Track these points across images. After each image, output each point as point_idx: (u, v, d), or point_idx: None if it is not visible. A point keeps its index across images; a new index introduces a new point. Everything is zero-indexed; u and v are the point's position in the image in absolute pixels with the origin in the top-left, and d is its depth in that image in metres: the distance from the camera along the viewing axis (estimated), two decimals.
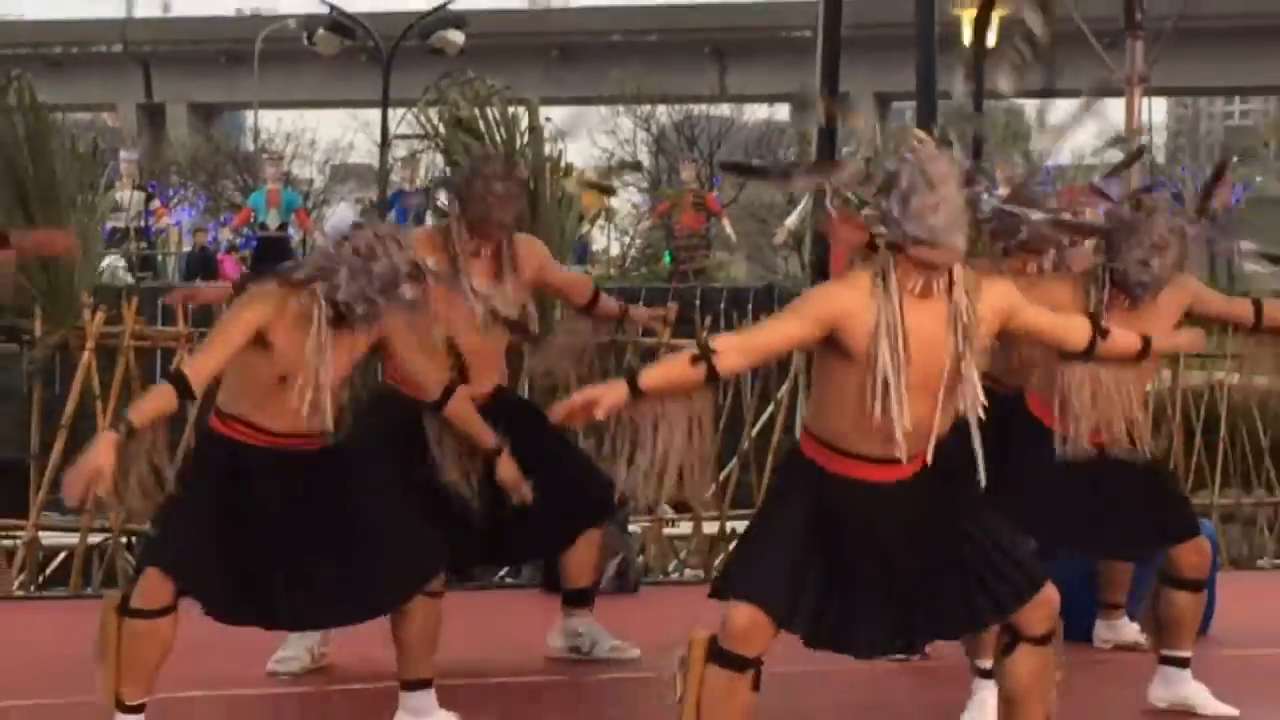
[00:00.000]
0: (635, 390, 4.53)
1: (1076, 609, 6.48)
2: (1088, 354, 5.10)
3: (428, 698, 5.44)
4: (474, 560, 7.19)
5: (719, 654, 4.66)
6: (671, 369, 4.79)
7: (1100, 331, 5.05)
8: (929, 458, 4.66)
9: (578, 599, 6.90)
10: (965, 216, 4.54)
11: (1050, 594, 4.80)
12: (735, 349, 4.69)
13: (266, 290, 5.20)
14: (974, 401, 4.58)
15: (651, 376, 4.59)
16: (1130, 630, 7.25)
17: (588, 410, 4.55)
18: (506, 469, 6.05)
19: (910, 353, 4.43)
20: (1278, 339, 6.19)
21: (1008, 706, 4.92)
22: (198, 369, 5.06)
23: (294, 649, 6.35)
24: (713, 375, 4.64)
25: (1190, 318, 6.02)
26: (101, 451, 4.90)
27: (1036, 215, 5.72)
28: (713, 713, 4.69)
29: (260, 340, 5.10)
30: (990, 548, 4.75)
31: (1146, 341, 5.17)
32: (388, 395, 6.61)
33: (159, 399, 5.07)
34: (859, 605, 4.71)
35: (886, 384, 4.52)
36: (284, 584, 5.30)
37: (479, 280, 6.33)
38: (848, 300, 4.47)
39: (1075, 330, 5.03)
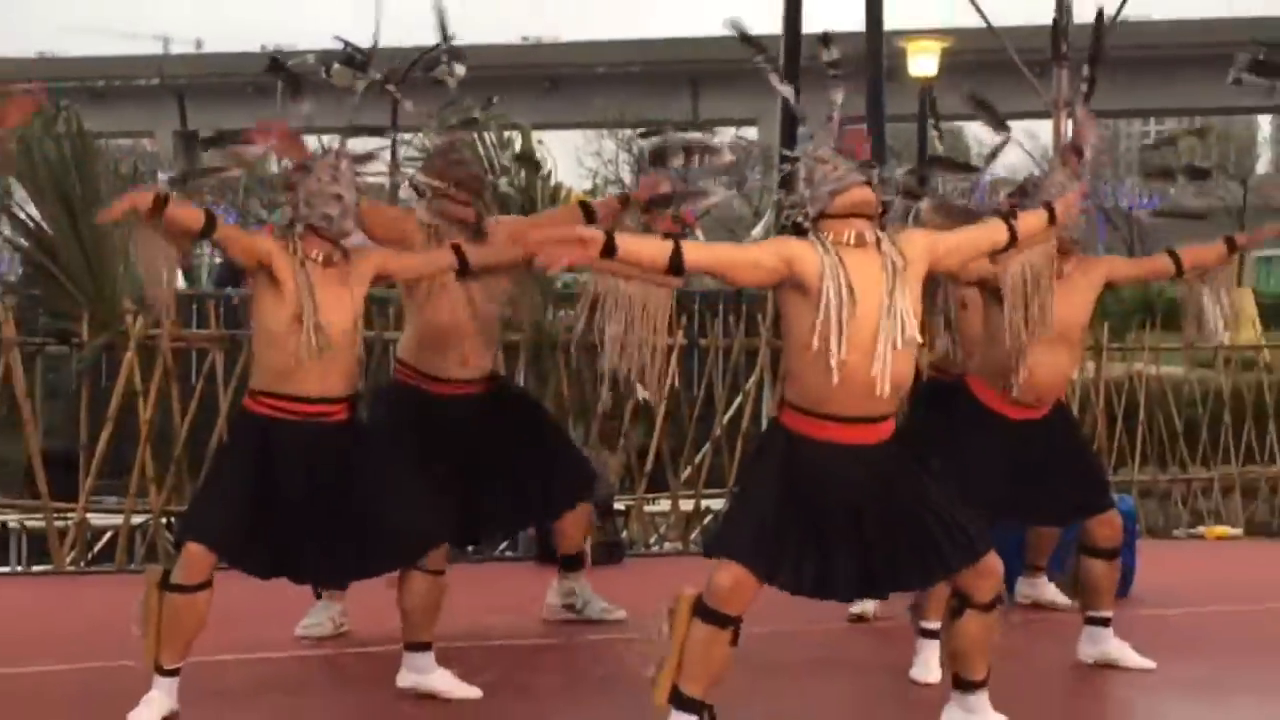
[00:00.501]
0: (610, 249, 4.58)
1: (1006, 571, 6.15)
2: (1011, 243, 5.18)
3: (428, 658, 5.51)
4: (478, 531, 7.16)
5: (704, 611, 4.70)
6: (645, 244, 4.85)
7: (1012, 224, 5.15)
8: (892, 406, 4.74)
9: (571, 564, 6.92)
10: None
11: (996, 565, 4.85)
12: (702, 248, 4.81)
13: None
14: (906, 334, 4.66)
15: (626, 242, 4.66)
16: (1049, 589, 7.33)
17: (566, 244, 4.57)
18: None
19: (853, 288, 4.54)
20: (1213, 268, 6.22)
21: (955, 661, 4.99)
22: (221, 223, 5.27)
23: (318, 617, 6.41)
24: (677, 262, 4.68)
25: (1112, 287, 6.15)
26: (142, 195, 5.05)
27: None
28: (694, 663, 4.71)
29: (270, 278, 5.15)
30: (941, 513, 4.79)
31: (1050, 210, 5.28)
32: (398, 387, 6.62)
33: (192, 213, 5.16)
34: (835, 556, 4.73)
35: (837, 316, 4.61)
36: (309, 547, 5.33)
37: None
38: (799, 246, 4.61)
39: (994, 231, 5.15)
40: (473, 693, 5.54)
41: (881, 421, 4.70)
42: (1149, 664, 6.08)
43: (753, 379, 10.47)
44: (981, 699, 5.01)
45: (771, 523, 4.69)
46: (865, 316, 4.55)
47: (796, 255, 4.60)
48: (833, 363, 4.52)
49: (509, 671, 6.15)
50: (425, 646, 5.52)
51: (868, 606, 6.62)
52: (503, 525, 7.51)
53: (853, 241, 4.61)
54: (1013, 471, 6.01)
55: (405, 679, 5.58)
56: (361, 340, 5.72)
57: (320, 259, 5.17)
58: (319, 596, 6.54)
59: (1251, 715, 5.82)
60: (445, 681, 5.55)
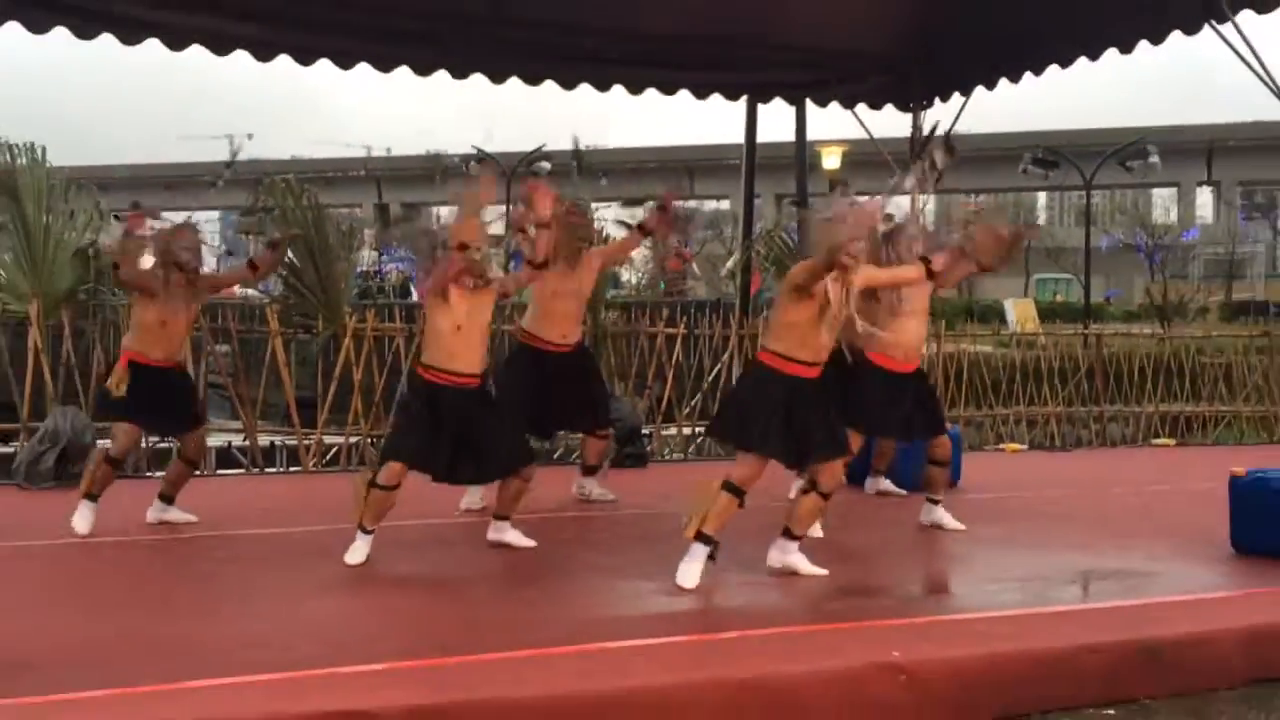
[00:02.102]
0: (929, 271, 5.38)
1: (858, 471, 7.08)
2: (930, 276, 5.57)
3: (507, 525, 5.88)
4: (560, 426, 7.45)
5: (729, 486, 5.04)
6: (900, 271, 5.57)
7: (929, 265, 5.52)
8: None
9: (589, 470, 7.34)
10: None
11: (840, 468, 5.22)
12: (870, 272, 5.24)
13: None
14: (845, 313, 4.96)
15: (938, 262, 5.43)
16: (886, 483, 7.63)
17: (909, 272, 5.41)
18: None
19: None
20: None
21: (790, 519, 5.29)
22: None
23: (472, 496, 6.85)
24: (929, 272, 5.45)
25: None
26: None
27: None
28: (715, 517, 5.03)
29: (445, 299, 5.42)
30: (833, 419, 5.21)
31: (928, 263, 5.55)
32: (518, 350, 7.06)
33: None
34: (804, 436, 5.05)
35: (828, 315, 4.96)
36: (463, 459, 5.54)
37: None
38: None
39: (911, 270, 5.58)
40: (528, 542, 5.82)
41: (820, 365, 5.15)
42: (961, 526, 6.50)
43: (726, 354, 10.89)
44: (794, 547, 5.28)
45: (776, 422, 4.97)
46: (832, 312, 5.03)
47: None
48: (827, 343, 5.04)
49: (578, 532, 6.48)
50: (506, 517, 5.87)
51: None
52: (571, 427, 7.77)
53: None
54: (889, 405, 6.21)
55: (491, 534, 5.88)
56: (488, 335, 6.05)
57: (473, 285, 5.47)
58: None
59: (1032, 558, 5.89)
60: (515, 536, 5.89)
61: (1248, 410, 13.40)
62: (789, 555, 5.26)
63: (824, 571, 5.25)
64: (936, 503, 6.58)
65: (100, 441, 7.95)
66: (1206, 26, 6.54)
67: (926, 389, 6.67)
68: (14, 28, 7.12)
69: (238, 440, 9.84)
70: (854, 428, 5.82)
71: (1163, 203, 56.27)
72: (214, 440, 9.54)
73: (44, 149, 9.59)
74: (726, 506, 5.02)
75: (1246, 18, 6.18)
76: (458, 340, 5.44)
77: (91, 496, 6.12)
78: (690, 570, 4.98)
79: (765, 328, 5.17)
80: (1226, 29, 6.23)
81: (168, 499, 6.43)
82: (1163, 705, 4.01)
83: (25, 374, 8.62)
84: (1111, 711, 3.94)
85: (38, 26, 7.25)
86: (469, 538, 6.09)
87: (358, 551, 5.42)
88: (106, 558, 5.67)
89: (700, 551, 5.00)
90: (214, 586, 5.16)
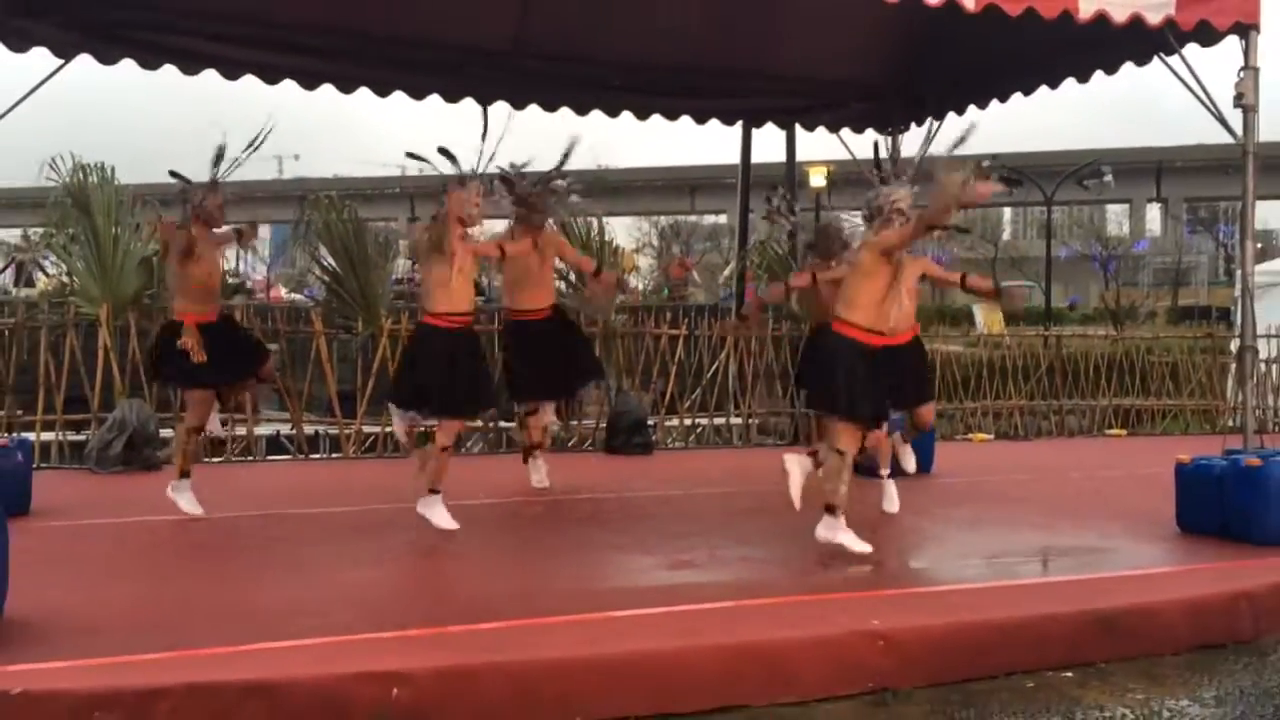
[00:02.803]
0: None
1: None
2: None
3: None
4: (537, 391, 7.06)
5: (834, 450, 5.07)
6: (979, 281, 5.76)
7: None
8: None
9: (530, 451, 7.12)
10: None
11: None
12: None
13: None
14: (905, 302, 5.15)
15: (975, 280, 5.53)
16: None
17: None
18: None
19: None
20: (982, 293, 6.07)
21: (823, 497, 5.15)
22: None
23: (540, 472, 6.90)
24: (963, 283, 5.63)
25: (924, 279, 5.97)
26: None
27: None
28: (829, 480, 5.12)
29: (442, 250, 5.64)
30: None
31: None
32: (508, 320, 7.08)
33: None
34: (886, 395, 5.17)
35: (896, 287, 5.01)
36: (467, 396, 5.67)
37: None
38: None
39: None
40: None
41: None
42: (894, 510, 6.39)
43: (724, 352, 10.96)
44: (840, 523, 5.16)
45: (862, 388, 4.94)
46: None
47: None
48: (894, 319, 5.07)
49: (591, 513, 6.49)
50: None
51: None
52: (552, 393, 7.30)
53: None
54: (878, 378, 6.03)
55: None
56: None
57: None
58: (525, 461, 6.88)
59: (999, 536, 5.95)
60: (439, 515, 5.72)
61: (1192, 404, 13.48)
62: (836, 533, 5.14)
63: (869, 548, 5.14)
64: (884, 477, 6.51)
65: (163, 431, 8.16)
66: (1156, 58, 6.58)
67: (920, 362, 6.47)
68: (85, 59, 7.20)
69: (286, 429, 9.87)
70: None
71: (1116, 217, 56.62)
72: (264, 429, 9.77)
73: (113, 168, 9.69)
74: (838, 470, 5.00)
75: (1192, 50, 6.21)
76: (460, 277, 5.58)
77: (186, 474, 6.05)
78: (847, 537, 5.03)
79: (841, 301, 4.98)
80: (1174, 60, 6.25)
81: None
82: (1117, 669, 4.02)
83: (96, 370, 8.67)
84: (1070, 674, 3.95)
85: (106, 58, 7.30)
86: (493, 517, 6.10)
87: (438, 513, 5.38)
88: (166, 535, 5.69)
89: (835, 522, 5.01)
90: (265, 560, 5.18)
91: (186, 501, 6.07)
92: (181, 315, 6.00)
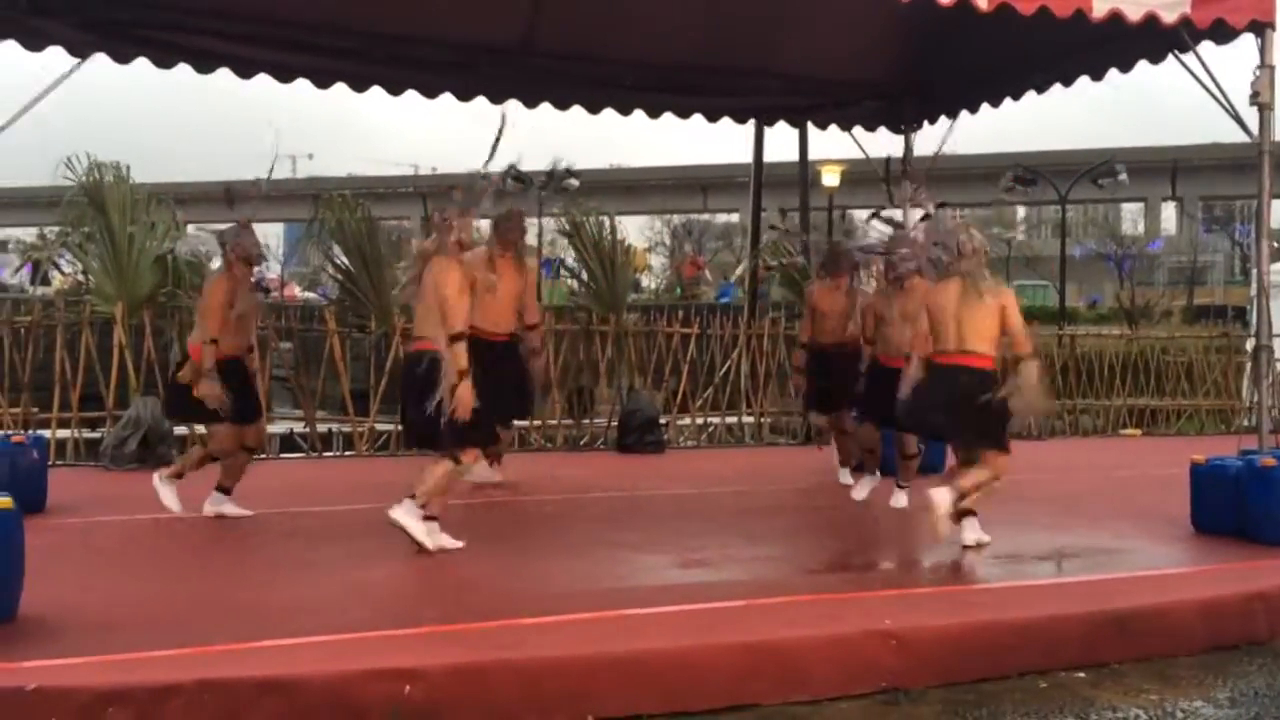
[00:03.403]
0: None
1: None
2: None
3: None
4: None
5: (993, 477, 5.27)
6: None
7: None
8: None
9: (492, 453, 6.98)
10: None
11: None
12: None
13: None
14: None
15: None
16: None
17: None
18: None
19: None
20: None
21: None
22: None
23: (485, 473, 6.82)
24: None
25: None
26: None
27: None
28: (978, 493, 5.28)
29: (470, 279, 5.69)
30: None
31: None
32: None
33: None
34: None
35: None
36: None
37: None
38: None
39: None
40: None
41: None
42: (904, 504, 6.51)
43: (736, 351, 11.05)
44: (974, 522, 5.37)
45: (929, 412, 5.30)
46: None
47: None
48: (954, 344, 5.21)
49: (604, 511, 6.45)
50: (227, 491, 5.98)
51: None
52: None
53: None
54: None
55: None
56: None
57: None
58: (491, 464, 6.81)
59: (1012, 535, 5.71)
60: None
61: (1207, 404, 13.42)
62: (967, 532, 5.33)
63: (988, 539, 5.34)
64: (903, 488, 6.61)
65: (177, 429, 8.06)
66: (1170, 56, 6.54)
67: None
68: (101, 59, 7.25)
69: (299, 427, 9.92)
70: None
71: (1131, 216, 56.38)
72: (277, 427, 9.77)
73: (128, 167, 9.71)
74: (985, 485, 5.18)
75: (1206, 48, 6.16)
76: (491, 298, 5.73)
77: (180, 476, 6.07)
78: (982, 534, 5.25)
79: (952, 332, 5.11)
80: (1188, 58, 6.22)
81: (225, 490, 6.13)
82: (1131, 669, 4.03)
83: (111, 368, 8.70)
84: (1084, 675, 3.94)
85: (121, 57, 7.34)
86: (502, 517, 6.10)
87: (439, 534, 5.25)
88: (180, 532, 5.70)
89: (974, 522, 5.20)
90: (277, 557, 5.20)
91: (169, 496, 6.04)
92: (219, 353, 5.78)
